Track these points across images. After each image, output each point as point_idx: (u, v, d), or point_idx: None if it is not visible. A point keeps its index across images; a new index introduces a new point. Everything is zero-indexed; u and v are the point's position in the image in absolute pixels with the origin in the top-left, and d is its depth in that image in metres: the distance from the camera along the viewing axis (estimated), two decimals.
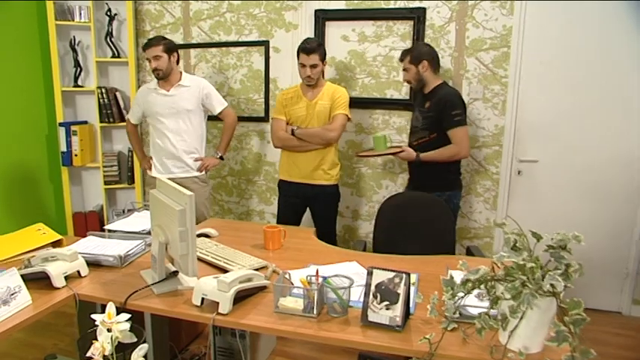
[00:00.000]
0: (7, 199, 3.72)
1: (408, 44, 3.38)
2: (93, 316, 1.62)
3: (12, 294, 1.72)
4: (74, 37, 3.92)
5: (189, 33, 3.93)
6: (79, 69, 3.97)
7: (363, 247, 2.63)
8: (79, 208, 4.19)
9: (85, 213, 4.13)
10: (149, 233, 2.44)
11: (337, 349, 2.93)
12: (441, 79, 2.98)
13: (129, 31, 3.91)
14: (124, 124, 3.94)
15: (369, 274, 1.64)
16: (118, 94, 3.99)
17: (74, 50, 3.92)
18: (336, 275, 1.75)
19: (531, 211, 3.33)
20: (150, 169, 3.35)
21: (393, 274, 1.62)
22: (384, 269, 1.63)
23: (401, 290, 1.60)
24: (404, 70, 3.00)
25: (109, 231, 2.50)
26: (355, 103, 3.55)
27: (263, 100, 3.80)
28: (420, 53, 2.91)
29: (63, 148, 3.91)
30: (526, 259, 1.46)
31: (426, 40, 3.34)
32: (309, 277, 1.75)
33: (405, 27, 3.38)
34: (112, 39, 3.95)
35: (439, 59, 3.00)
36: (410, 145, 3.04)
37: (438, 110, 2.84)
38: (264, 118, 3.81)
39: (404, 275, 1.60)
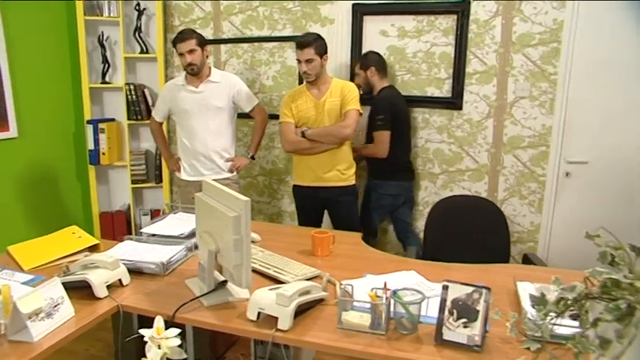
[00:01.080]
0: (33, 198, 3.61)
1: (451, 40, 3.22)
2: (141, 331, 1.49)
3: (55, 305, 1.59)
4: (102, 32, 3.80)
5: (219, 28, 3.79)
6: (106, 65, 3.84)
7: (416, 254, 2.47)
8: (105, 207, 4.07)
9: (112, 213, 4.01)
10: (187, 237, 2.31)
11: None
12: (386, 83, 3.21)
13: (158, 26, 3.78)
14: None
15: (445, 288, 1.49)
16: (146, 90, 3.87)
17: (102, 46, 3.80)
18: (404, 288, 1.60)
19: (580, 214, 3.15)
20: (178, 170, 3.19)
21: (472, 288, 1.47)
22: (461, 283, 1.48)
23: (480, 307, 1.45)
24: (355, 74, 3.27)
25: (142, 234, 2.37)
26: None
27: None
28: (368, 60, 3.20)
29: (90, 146, 3.79)
30: (629, 276, 1.30)
31: (470, 36, 3.17)
32: (374, 290, 1.60)
33: (448, 22, 3.21)
34: (141, 34, 3.82)
35: (386, 65, 3.25)
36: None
37: (371, 113, 3.17)
38: None
39: (484, 290, 1.45)
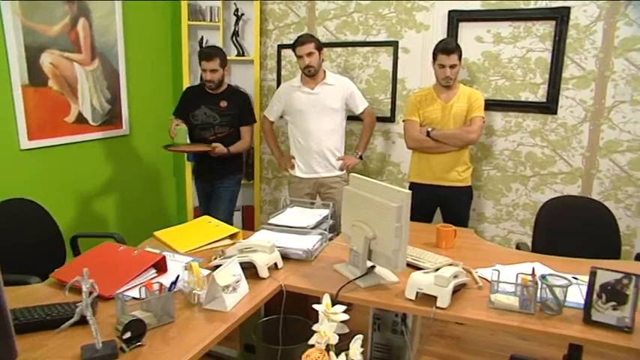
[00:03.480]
0: (138, 190, 3.98)
1: (548, 45, 3.40)
2: (315, 306, 1.76)
3: (237, 282, 1.87)
4: (202, 36, 4.14)
5: (313, 32, 4.07)
6: None
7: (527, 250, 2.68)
8: (197, 202, 4.39)
9: None
10: (314, 228, 2.58)
11: (483, 350, 2.99)
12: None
13: (255, 30, 4.09)
14: None
15: (593, 274, 1.70)
16: None
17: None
18: (551, 274, 1.82)
19: None
20: (292, 168, 3.48)
21: (621, 275, 1.67)
22: (609, 270, 1.69)
23: (630, 292, 1.66)
24: (211, 70, 3.28)
25: (273, 225, 2.64)
26: (487, 105, 3.60)
27: (389, 100, 3.90)
28: (226, 58, 3.38)
29: None
30: None
31: (568, 41, 3.35)
32: (523, 275, 1.82)
33: (546, 27, 3.40)
34: (238, 38, 4.15)
35: None
36: (205, 140, 3.41)
37: (237, 109, 3.42)
38: (390, 119, 3.91)
39: (633, 277, 1.66)
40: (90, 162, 3.53)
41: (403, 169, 3.98)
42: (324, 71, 3.36)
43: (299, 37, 3.28)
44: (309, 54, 3.21)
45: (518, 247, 2.70)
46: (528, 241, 2.92)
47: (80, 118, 3.43)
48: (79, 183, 3.45)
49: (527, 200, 3.66)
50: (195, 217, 4.19)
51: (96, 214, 3.60)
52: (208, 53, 3.25)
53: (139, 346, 1.52)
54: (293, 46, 3.30)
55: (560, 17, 3.33)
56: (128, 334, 1.48)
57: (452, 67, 3.04)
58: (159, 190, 4.25)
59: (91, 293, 1.50)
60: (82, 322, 1.53)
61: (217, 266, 2.07)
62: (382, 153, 4.01)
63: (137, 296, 1.77)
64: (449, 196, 3.21)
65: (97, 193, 3.60)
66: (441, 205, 3.30)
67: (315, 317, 2.54)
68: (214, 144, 3.31)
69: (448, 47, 3.04)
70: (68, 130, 3.35)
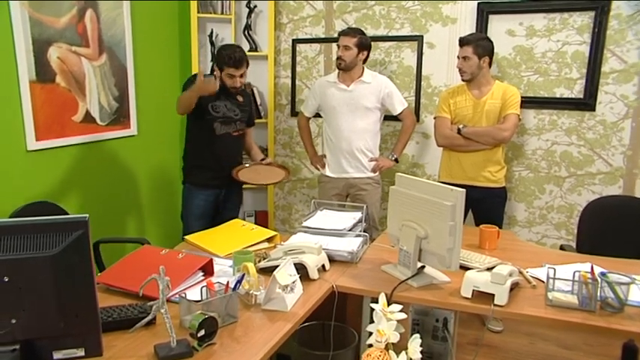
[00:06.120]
0: (144, 196, 4.18)
1: (586, 38, 3.66)
2: (372, 305, 1.98)
3: (293, 282, 2.09)
4: (212, 30, 4.36)
5: (331, 26, 4.31)
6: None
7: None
8: None
9: None
10: (350, 230, 2.80)
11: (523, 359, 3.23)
12: None
13: (269, 24, 4.32)
14: (261, 121, 4.38)
15: None
16: (254, 89, 4.40)
17: (212, 44, 4.35)
18: (610, 272, 2.06)
19: None
20: (323, 167, 3.73)
21: None
22: None
23: None
24: (241, 75, 3.38)
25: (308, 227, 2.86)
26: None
27: (414, 98, 4.15)
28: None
29: None
30: None
31: (608, 33, 3.58)
32: (576, 273, 2.06)
33: (584, 19, 3.64)
34: (250, 32, 4.37)
35: None
36: (229, 135, 3.45)
37: (249, 105, 3.61)
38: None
39: None
40: (98, 164, 3.71)
41: (428, 170, 4.23)
42: (363, 69, 3.62)
43: (347, 27, 3.62)
44: (346, 47, 3.48)
45: (562, 248, 2.94)
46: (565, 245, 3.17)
47: (88, 118, 3.62)
48: (88, 186, 3.63)
49: (563, 202, 3.91)
50: None
51: (105, 218, 3.79)
52: (239, 59, 3.24)
53: (211, 344, 1.73)
54: (339, 34, 3.58)
55: (600, 7, 3.58)
56: (202, 332, 1.68)
57: (464, 59, 3.32)
58: (169, 193, 4.44)
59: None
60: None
61: (263, 269, 2.30)
62: (406, 154, 4.25)
63: (197, 297, 1.97)
64: (481, 197, 3.43)
65: (106, 196, 3.79)
66: (473, 207, 3.53)
67: (351, 323, 2.77)
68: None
69: (461, 38, 3.35)
70: (76, 131, 3.53)
